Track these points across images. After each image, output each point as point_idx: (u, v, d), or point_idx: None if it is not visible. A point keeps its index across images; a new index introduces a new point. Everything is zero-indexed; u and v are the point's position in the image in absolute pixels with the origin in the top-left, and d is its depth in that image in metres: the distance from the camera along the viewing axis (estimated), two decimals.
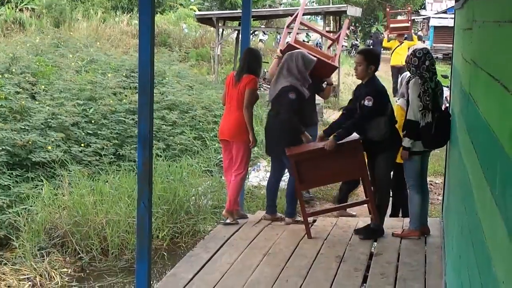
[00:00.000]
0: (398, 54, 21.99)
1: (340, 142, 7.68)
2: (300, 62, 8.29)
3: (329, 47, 10.52)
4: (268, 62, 28.53)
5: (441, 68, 28.70)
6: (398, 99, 8.99)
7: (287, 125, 8.20)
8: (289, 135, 8.17)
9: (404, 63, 9.11)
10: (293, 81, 8.21)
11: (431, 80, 7.59)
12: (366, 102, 7.55)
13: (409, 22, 23.49)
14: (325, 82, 9.79)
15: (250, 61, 8.49)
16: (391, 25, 23.32)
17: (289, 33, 10.94)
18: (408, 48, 17.10)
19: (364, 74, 7.78)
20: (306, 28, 12.61)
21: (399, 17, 36.26)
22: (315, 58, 8.61)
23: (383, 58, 19.79)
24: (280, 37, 41.19)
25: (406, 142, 7.70)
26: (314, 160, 7.82)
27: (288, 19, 10.91)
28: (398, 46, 22.23)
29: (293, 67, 8.27)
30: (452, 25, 9.98)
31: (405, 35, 22.64)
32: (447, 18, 37.66)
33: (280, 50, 8.88)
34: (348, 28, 28.07)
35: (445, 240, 7.33)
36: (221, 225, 8.66)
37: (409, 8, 27.31)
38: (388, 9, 26.92)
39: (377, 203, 7.97)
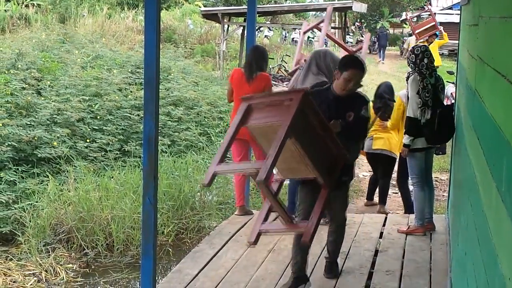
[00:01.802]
0: None
1: None
2: (328, 60, 8.18)
3: None
4: (273, 58, 28.56)
5: (447, 64, 28.70)
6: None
7: None
8: None
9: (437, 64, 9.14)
10: (323, 78, 8.09)
11: (430, 76, 7.57)
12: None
13: (434, 20, 22.35)
14: None
15: (258, 59, 8.46)
16: (417, 31, 22.10)
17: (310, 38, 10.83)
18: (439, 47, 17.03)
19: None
20: (298, 26, 12.44)
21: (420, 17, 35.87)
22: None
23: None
24: (286, 33, 41.29)
25: (406, 139, 7.70)
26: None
27: (305, 26, 10.59)
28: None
29: (322, 65, 8.16)
30: (458, 21, 9.96)
31: (436, 33, 21.58)
32: (452, 14, 37.65)
33: (305, 60, 8.61)
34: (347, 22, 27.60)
35: (451, 236, 7.32)
36: (226, 221, 8.66)
37: (428, 6, 26.64)
38: (409, 17, 26.11)
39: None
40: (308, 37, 40.13)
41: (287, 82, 21.20)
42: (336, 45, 10.23)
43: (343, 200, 6.48)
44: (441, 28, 21.36)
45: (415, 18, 32.44)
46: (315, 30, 12.72)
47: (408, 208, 9.39)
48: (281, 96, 5.21)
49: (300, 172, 5.34)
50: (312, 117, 5.04)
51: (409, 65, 7.83)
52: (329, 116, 5.58)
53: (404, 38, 44.84)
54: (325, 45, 27.91)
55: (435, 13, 40.25)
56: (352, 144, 6.01)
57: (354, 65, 6.02)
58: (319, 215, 5.12)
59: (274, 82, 22.89)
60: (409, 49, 7.97)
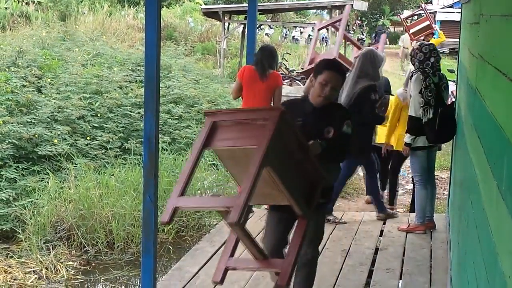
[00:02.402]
0: None
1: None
2: (374, 61, 8.13)
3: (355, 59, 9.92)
4: (290, 54, 28.47)
5: (447, 63, 28.67)
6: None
7: (373, 123, 8.38)
8: (366, 135, 8.11)
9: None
10: (371, 81, 8.03)
11: (433, 75, 7.55)
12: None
13: (429, 19, 21.89)
14: None
15: (268, 58, 8.46)
16: (411, 31, 21.54)
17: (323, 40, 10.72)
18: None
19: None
20: (311, 23, 12.37)
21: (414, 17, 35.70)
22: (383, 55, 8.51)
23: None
24: (286, 31, 41.22)
25: (407, 138, 7.69)
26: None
27: (318, 23, 10.39)
28: None
29: (369, 67, 8.11)
30: (459, 19, 9.96)
31: (433, 33, 21.17)
32: (453, 12, 37.55)
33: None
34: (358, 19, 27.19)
35: (451, 235, 7.33)
36: None
37: (422, 5, 26.32)
38: (402, 18, 25.68)
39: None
40: (309, 35, 40.13)
41: (287, 80, 21.19)
42: (351, 45, 9.88)
43: (318, 227, 5.45)
44: (436, 26, 21.00)
45: (416, 17, 32.31)
46: (315, 28, 12.62)
47: (390, 200, 9.68)
48: (253, 113, 4.39)
49: (273, 199, 4.53)
50: (290, 139, 4.28)
51: (413, 63, 7.78)
52: (305, 132, 4.71)
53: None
54: (326, 43, 27.91)
55: (435, 11, 40.06)
56: (332, 165, 5.30)
57: (329, 66, 5.30)
58: (297, 252, 4.27)
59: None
60: (414, 47, 7.92)
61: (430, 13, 47.42)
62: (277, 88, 8.48)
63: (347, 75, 8.41)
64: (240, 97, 8.64)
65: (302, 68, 25.30)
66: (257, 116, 4.23)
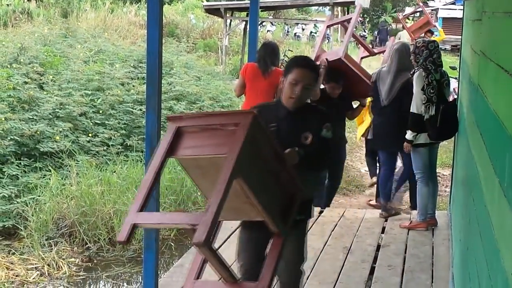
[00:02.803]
0: None
1: None
2: (409, 54, 8.12)
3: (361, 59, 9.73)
4: (292, 51, 28.44)
5: (449, 60, 28.64)
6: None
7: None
8: (404, 128, 8.04)
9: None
10: (409, 75, 8.02)
11: (435, 72, 7.53)
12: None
13: (427, 16, 21.53)
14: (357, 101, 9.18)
15: (270, 54, 8.45)
16: (412, 31, 21.18)
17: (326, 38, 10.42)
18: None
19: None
20: (312, 20, 12.27)
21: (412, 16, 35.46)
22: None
23: None
24: (288, 28, 41.21)
25: (409, 134, 7.67)
26: None
27: (327, 20, 10.20)
28: None
29: (407, 60, 8.11)
30: (461, 16, 9.94)
31: (432, 30, 20.87)
32: (455, 9, 37.55)
33: (326, 59, 8.42)
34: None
35: (453, 231, 7.33)
36: None
37: (420, 3, 26.02)
38: (401, 17, 25.33)
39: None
40: (311, 32, 40.10)
41: None
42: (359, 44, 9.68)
43: (298, 247, 4.98)
44: (436, 24, 20.68)
45: (417, 14, 32.14)
46: (317, 25, 12.55)
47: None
48: (223, 117, 3.81)
49: (245, 214, 3.97)
50: (264, 147, 3.79)
51: (417, 60, 7.71)
52: (280, 140, 4.20)
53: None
54: (327, 40, 27.86)
55: (437, 8, 39.88)
56: (311, 175, 4.77)
57: (298, 63, 4.74)
58: (271, 275, 3.80)
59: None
60: (418, 44, 7.85)
61: (432, 10, 47.40)
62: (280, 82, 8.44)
63: (383, 69, 8.42)
64: (243, 94, 8.62)
65: None
66: (227, 121, 3.70)
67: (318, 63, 8.23)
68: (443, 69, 7.77)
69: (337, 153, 8.47)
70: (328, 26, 10.22)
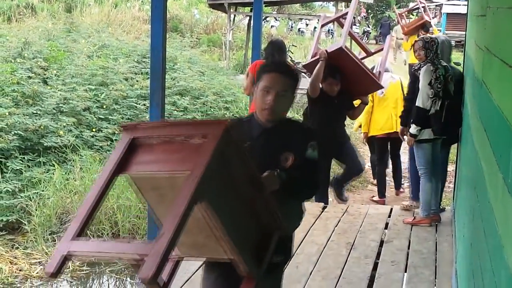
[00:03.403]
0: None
1: None
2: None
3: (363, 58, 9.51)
4: (296, 46, 28.43)
5: (453, 55, 28.55)
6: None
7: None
8: None
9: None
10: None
11: (442, 67, 7.54)
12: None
13: (422, 12, 20.74)
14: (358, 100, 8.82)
15: (278, 52, 8.45)
16: (406, 30, 20.07)
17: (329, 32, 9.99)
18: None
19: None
20: (316, 15, 12.10)
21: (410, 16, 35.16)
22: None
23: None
24: (292, 24, 41.17)
25: (413, 129, 7.66)
26: None
27: (323, 18, 9.91)
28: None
29: (447, 54, 8.11)
30: (465, 12, 9.93)
31: (424, 24, 20.16)
32: (459, 5, 37.46)
33: (326, 51, 8.18)
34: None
35: (456, 228, 7.32)
36: None
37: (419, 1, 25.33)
38: (397, 12, 24.25)
39: None
40: (315, 27, 40.03)
41: None
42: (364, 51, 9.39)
43: None
44: (432, 22, 20.17)
45: (417, 11, 31.91)
46: (319, 23, 12.30)
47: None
48: (188, 127, 3.15)
49: (209, 251, 3.21)
50: (236, 166, 3.07)
51: (427, 55, 7.67)
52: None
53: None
54: (331, 35, 27.84)
55: (441, 4, 39.78)
56: (293, 205, 4.06)
57: (270, 68, 3.98)
58: None
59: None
60: (427, 39, 7.83)
61: (436, 5, 47.26)
62: None
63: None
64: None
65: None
66: (194, 131, 3.00)
67: (317, 57, 8.18)
68: (447, 64, 7.76)
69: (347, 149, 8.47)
70: (323, 25, 9.98)
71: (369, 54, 9.60)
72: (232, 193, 3.07)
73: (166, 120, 5.80)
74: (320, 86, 8.16)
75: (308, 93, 8.23)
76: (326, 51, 8.17)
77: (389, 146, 10.03)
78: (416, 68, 7.84)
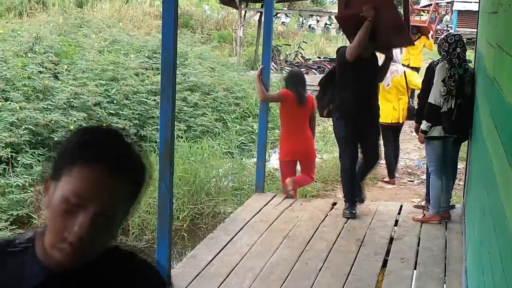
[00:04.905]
0: (409, 53, 16.39)
1: None
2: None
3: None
4: (290, 45, 28.44)
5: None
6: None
7: None
8: None
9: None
10: None
11: (459, 66, 7.50)
12: None
13: (427, 22, 19.83)
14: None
15: (303, 84, 8.85)
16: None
17: None
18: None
19: None
20: (327, 12, 11.97)
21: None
22: None
23: None
24: (303, 20, 41.11)
25: (424, 125, 7.64)
26: None
27: None
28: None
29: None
30: (476, 9, 9.90)
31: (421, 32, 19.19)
32: (471, 2, 37.36)
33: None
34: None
35: (466, 225, 7.30)
36: (240, 208, 8.67)
37: (434, 2, 24.58)
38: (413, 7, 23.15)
39: None
40: (326, 24, 40.00)
41: (303, 69, 21.04)
42: None
43: None
44: (433, 27, 19.53)
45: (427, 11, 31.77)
46: (332, 17, 12.31)
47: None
48: None
49: None
50: None
51: (440, 54, 7.71)
52: None
53: None
54: (342, 32, 27.75)
55: (453, 1, 39.59)
56: None
57: (92, 153, 1.76)
58: None
59: (291, 69, 22.86)
60: (441, 37, 7.84)
61: (447, 3, 47.02)
62: (313, 109, 8.85)
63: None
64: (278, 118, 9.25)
65: (319, 57, 25.20)
66: None
67: (355, 11, 7.55)
68: (468, 65, 7.71)
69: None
70: None
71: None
72: None
73: None
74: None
75: (342, 60, 7.85)
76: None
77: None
78: (435, 63, 7.84)
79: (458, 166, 8.98)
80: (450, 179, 8.21)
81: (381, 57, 8.18)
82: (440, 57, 7.73)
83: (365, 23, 7.50)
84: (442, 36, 7.79)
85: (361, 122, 7.98)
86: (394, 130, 10.64)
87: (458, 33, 8.70)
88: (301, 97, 8.63)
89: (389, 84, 9.83)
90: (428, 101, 7.56)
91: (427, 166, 8.58)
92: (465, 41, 7.82)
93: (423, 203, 8.74)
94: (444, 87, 7.41)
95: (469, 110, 7.52)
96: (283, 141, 8.95)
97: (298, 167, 9.12)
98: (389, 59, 8.19)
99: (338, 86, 7.99)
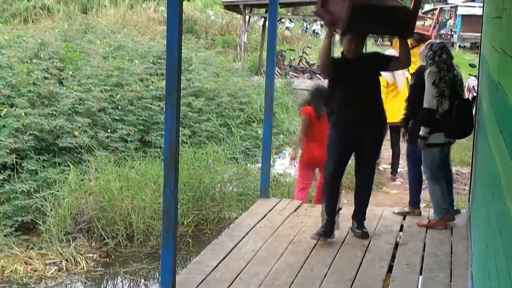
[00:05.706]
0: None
1: None
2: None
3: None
4: (294, 50, 28.47)
5: (469, 57, 28.52)
6: None
7: None
8: None
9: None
10: None
11: (448, 71, 7.52)
12: None
13: (430, 29, 19.52)
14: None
15: (322, 99, 8.83)
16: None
17: None
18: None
19: None
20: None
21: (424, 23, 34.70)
22: None
23: None
24: (307, 25, 41.12)
25: (422, 131, 7.61)
26: None
27: None
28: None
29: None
30: (480, 13, 9.90)
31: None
32: (475, 6, 37.38)
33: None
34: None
35: (472, 230, 7.29)
36: (245, 213, 8.65)
37: (436, 11, 24.32)
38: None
39: None
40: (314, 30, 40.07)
41: (307, 74, 21.06)
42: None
43: None
44: (434, 32, 19.44)
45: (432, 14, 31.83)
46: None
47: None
48: None
49: None
50: None
51: (426, 62, 7.69)
52: None
53: None
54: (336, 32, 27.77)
55: (456, 5, 39.63)
56: None
57: None
58: None
59: (295, 74, 22.87)
60: (425, 47, 7.84)
61: (451, 7, 47.02)
62: None
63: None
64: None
65: None
66: None
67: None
68: (457, 70, 7.73)
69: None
70: None
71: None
72: None
73: None
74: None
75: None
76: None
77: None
78: (422, 70, 7.81)
79: (463, 171, 8.97)
80: (448, 182, 8.16)
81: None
82: (428, 66, 7.67)
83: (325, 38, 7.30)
84: (426, 45, 7.78)
85: (355, 135, 7.29)
86: (394, 131, 10.98)
87: (441, 41, 8.63)
88: (319, 113, 9.01)
89: (402, 87, 10.09)
90: (423, 106, 7.53)
91: (411, 170, 8.54)
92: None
93: (406, 209, 8.66)
94: (436, 89, 7.42)
95: (468, 111, 7.52)
96: (305, 150, 9.30)
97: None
98: (404, 37, 7.23)
99: (328, 97, 7.56)
